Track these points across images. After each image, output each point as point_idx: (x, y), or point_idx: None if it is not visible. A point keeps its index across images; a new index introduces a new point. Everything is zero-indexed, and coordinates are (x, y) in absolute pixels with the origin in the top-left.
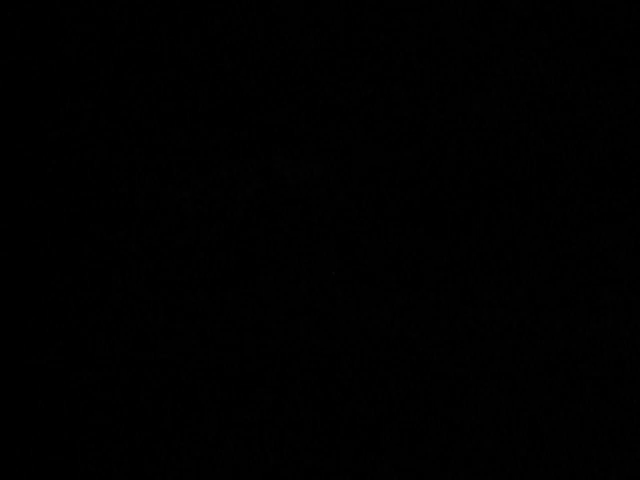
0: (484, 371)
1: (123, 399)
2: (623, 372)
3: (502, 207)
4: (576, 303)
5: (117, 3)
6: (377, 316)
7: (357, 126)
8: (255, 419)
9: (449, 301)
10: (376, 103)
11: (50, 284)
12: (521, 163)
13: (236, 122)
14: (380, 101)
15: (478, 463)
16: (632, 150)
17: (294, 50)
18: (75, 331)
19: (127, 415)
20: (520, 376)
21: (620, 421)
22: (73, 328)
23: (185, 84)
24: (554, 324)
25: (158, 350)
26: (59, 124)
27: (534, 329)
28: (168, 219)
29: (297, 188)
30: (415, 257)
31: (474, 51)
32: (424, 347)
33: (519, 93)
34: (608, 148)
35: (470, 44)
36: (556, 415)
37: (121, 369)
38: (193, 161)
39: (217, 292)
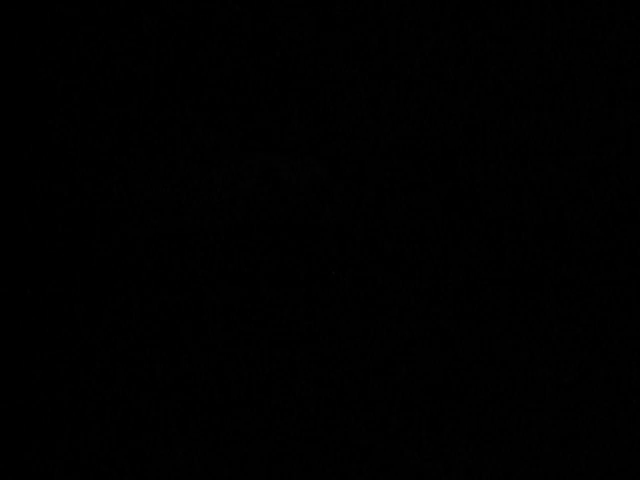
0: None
1: (122, 399)
2: (623, 369)
3: (504, 206)
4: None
5: (117, 2)
6: (376, 315)
7: (358, 126)
8: (255, 420)
9: (448, 302)
10: (377, 104)
11: (49, 284)
12: (521, 166)
13: (236, 122)
14: (381, 102)
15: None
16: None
17: (295, 50)
18: (75, 330)
19: (126, 415)
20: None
21: (620, 422)
22: (73, 328)
23: (185, 84)
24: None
25: (158, 349)
26: (59, 124)
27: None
28: (168, 218)
29: (297, 188)
30: (415, 257)
31: (474, 53)
32: (423, 342)
33: (520, 94)
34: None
35: (469, 45)
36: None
37: (121, 369)
38: (193, 161)
39: (217, 291)
